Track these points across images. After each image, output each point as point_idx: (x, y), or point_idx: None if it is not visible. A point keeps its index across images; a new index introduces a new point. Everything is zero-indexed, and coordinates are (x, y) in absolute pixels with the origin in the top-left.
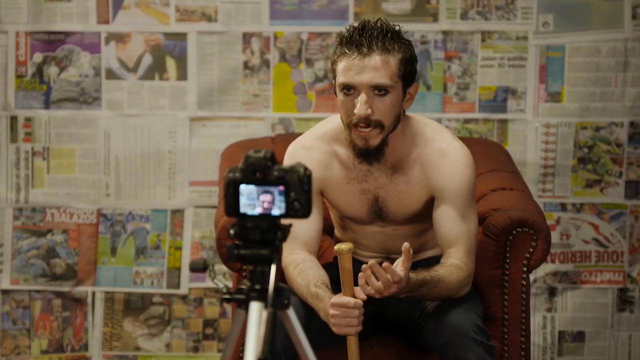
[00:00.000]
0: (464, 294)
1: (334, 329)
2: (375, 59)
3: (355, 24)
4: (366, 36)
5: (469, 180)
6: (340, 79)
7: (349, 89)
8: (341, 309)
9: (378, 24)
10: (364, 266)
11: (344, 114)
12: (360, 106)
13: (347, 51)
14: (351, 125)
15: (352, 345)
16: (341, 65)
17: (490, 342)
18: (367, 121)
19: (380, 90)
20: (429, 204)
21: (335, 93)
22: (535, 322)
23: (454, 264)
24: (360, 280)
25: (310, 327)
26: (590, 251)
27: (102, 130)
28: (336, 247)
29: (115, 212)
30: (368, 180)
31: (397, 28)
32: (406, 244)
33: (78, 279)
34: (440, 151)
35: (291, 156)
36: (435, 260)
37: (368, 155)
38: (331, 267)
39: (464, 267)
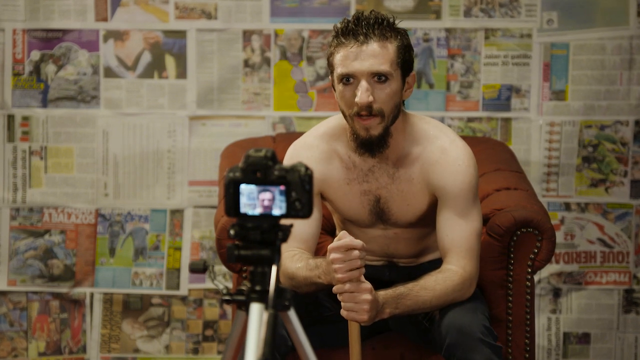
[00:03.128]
0: (469, 296)
1: (337, 277)
2: (374, 46)
3: (350, 17)
4: (362, 25)
5: (471, 179)
6: (339, 69)
7: (348, 79)
8: (340, 251)
9: (372, 15)
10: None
11: (344, 105)
12: (362, 94)
13: (344, 41)
14: (352, 115)
15: (354, 332)
16: (339, 56)
17: (497, 343)
18: (368, 109)
19: (380, 77)
20: (432, 206)
21: (334, 87)
22: (540, 323)
23: (444, 268)
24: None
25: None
26: (595, 251)
27: (100, 129)
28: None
29: (114, 212)
30: (369, 180)
31: (391, 19)
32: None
33: (76, 280)
34: (442, 149)
35: (291, 156)
36: (439, 262)
37: (371, 145)
38: None
39: (458, 270)
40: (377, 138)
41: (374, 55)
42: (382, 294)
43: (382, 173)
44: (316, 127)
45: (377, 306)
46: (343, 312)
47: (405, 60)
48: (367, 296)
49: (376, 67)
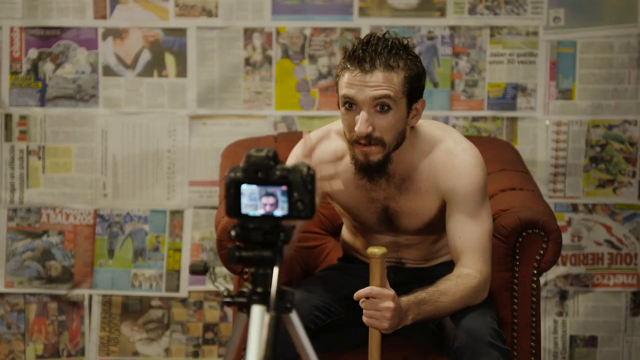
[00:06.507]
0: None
1: (364, 320)
2: (378, 75)
3: (362, 37)
4: (369, 51)
5: (479, 180)
6: (342, 92)
7: (351, 105)
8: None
9: (384, 38)
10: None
11: (346, 128)
12: (361, 124)
13: (349, 66)
14: (352, 141)
15: (374, 340)
16: (343, 79)
17: (505, 346)
18: (367, 138)
19: (382, 107)
20: (442, 212)
21: (339, 106)
22: (546, 326)
23: (461, 273)
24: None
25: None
26: (602, 253)
27: (99, 129)
28: (369, 250)
29: (113, 213)
30: (376, 190)
31: (405, 42)
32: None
33: (74, 281)
34: (448, 152)
35: (305, 142)
36: (450, 264)
37: (369, 170)
38: (333, 270)
39: (475, 274)
40: (375, 164)
41: (377, 85)
42: (405, 300)
43: (389, 185)
44: (336, 122)
45: (400, 313)
46: (364, 319)
47: (413, 88)
48: (390, 304)
49: (378, 98)
